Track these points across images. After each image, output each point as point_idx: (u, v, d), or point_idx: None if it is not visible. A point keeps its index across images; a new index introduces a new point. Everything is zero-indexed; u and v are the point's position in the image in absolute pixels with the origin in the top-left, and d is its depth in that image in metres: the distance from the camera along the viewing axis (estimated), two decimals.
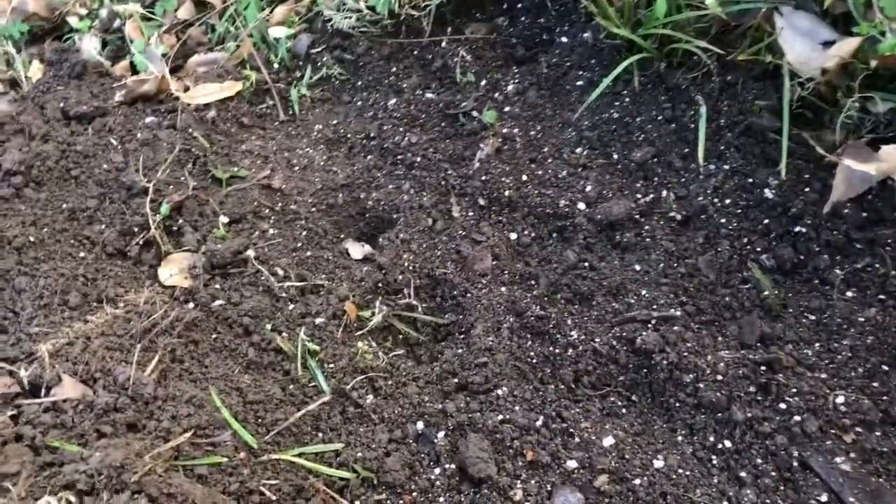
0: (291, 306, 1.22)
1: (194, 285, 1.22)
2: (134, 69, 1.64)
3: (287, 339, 1.17)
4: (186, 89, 1.53)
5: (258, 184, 1.39)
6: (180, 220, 1.32)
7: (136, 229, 1.29)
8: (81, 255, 1.25)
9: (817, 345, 1.09)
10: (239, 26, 1.65)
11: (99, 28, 1.75)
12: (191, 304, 1.20)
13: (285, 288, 1.24)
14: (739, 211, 1.23)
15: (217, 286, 1.23)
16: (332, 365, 1.14)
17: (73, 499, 0.87)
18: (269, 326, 1.18)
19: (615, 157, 1.37)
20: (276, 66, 1.62)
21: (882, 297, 1.10)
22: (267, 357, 1.15)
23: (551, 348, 1.17)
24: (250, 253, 1.26)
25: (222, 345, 1.16)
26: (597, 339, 1.16)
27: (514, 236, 1.35)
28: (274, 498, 0.97)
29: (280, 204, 1.38)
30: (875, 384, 1.03)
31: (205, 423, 1.01)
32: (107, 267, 1.24)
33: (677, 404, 1.08)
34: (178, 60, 1.62)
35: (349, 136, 1.52)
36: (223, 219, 1.33)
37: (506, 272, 1.30)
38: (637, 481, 1.00)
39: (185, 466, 0.97)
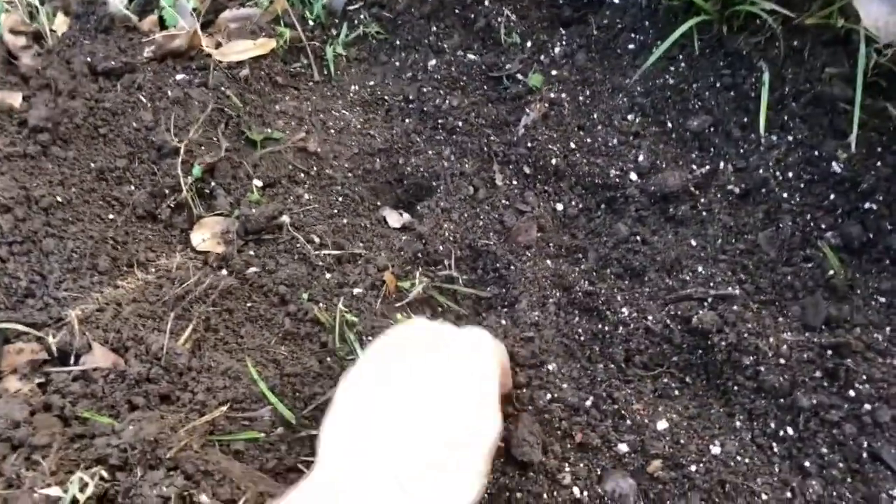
0: (328, 275, 1.17)
1: (228, 251, 1.17)
2: (162, 24, 1.57)
3: (324, 309, 1.11)
4: (218, 46, 1.47)
5: (293, 146, 1.33)
6: (213, 183, 1.26)
7: (166, 191, 1.24)
8: (111, 216, 1.20)
9: (888, 329, 1.02)
10: None
11: None
12: (224, 271, 1.15)
13: (322, 256, 1.18)
14: (803, 185, 1.16)
15: (251, 252, 1.18)
16: (370, 337, 1.09)
17: (105, 474, 0.83)
18: (305, 296, 1.13)
19: (669, 125, 1.30)
20: (311, 23, 1.54)
21: None
22: (304, 328, 1.10)
23: (601, 325, 1.11)
24: (285, 219, 1.21)
25: (258, 314, 1.11)
26: (649, 317, 1.10)
27: (560, 207, 1.28)
28: None
29: (315, 168, 1.32)
30: None
31: (241, 397, 0.97)
32: (137, 230, 1.19)
33: (735, 388, 1.03)
34: (208, 16, 1.55)
35: (387, 98, 1.46)
36: (257, 182, 1.27)
37: (551, 244, 1.24)
38: (693, 468, 0.95)
39: (221, 441, 0.92)
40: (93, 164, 1.25)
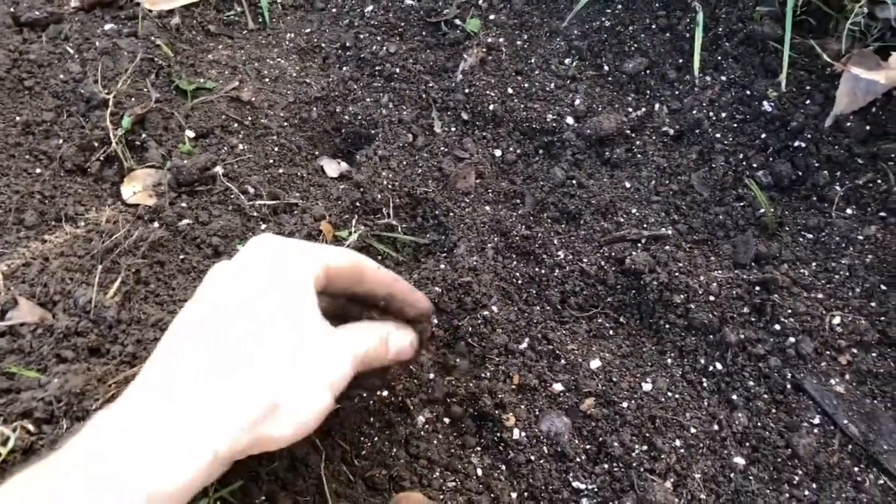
0: (263, 226, 1.16)
1: (159, 203, 1.15)
2: None
3: None
4: None
5: (226, 96, 1.31)
6: (143, 135, 1.23)
7: (96, 144, 1.21)
8: (38, 171, 1.17)
9: (814, 264, 1.05)
10: None
11: None
12: (156, 224, 1.13)
13: (257, 207, 1.17)
14: (736, 125, 1.17)
15: (184, 204, 1.16)
16: None
17: (31, 427, 0.82)
18: (239, 247, 1.11)
19: (606, 68, 1.30)
20: None
21: (883, 214, 1.05)
22: None
23: (537, 269, 1.12)
24: (218, 169, 1.19)
25: (190, 266, 1.09)
26: (584, 259, 1.11)
27: (498, 153, 1.28)
28: None
29: (250, 118, 1.30)
30: (873, 304, 0.99)
31: None
32: (65, 184, 1.17)
33: (667, 326, 1.04)
34: None
35: (323, 45, 1.43)
36: (189, 133, 1.25)
37: (490, 190, 1.24)
38: (625, 404, 0.97)
39: None
40: (18, 118, 1.21)
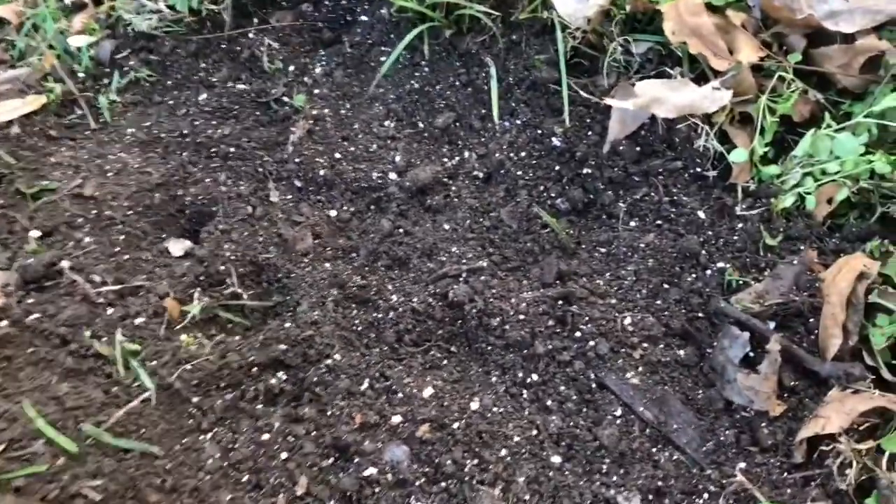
0: (110, 311, 1.22)
1: (7, 303, 1.20)
2: None
3: (106, 343, 1.17)
4: None
5: (69, 194, 1.38)
6: None
7: None
8: None
9: (607, 274, 1.18)
10: (39, 40, 1.62)
11: None
12: (4, 322, 1.18)
13: (103, 293, 1.23)
14: (534, 161, 1.31)
15: (32, 300, 1.22)
16: (155, 361, 1.15)
17: None
18: (87, 333, 1.18)
19: (421, 125, 1.43)
20: (81, 75, 1.59)
21: (658, 222, 1.19)
22: (87, 363, 1.15)
23: (374, 314, 1.22)
24: (65, 264, 1.25)
25: (38, 357, 1.14)
26: (414, 299, 1.21)
27: (333, 213, 1.38)
28: (99, 498, 0.98)
29: (94, 211, 1.37)
30: (658, 302, 1.12)
31: (19, 436, 1.01)
32: None
33: (489, 348, 1.15)
34: None
35: (162, 135, 1.52)
36: (34, 233, 1.31)
37: (328, 248, 1.34)
38: (455, 425, 1.06)
39: (1, 481, 0.96)
40: None
